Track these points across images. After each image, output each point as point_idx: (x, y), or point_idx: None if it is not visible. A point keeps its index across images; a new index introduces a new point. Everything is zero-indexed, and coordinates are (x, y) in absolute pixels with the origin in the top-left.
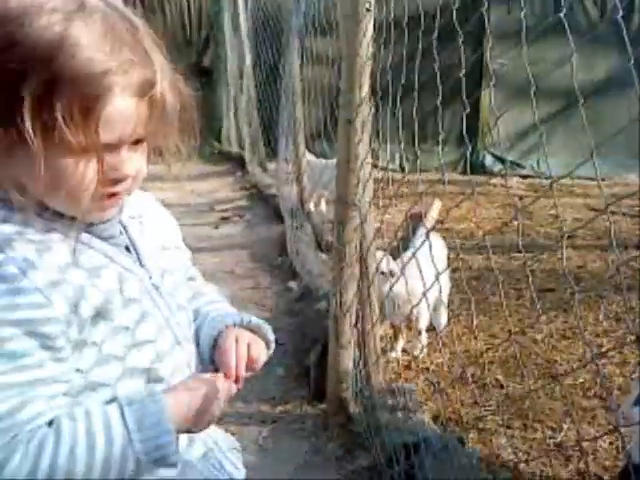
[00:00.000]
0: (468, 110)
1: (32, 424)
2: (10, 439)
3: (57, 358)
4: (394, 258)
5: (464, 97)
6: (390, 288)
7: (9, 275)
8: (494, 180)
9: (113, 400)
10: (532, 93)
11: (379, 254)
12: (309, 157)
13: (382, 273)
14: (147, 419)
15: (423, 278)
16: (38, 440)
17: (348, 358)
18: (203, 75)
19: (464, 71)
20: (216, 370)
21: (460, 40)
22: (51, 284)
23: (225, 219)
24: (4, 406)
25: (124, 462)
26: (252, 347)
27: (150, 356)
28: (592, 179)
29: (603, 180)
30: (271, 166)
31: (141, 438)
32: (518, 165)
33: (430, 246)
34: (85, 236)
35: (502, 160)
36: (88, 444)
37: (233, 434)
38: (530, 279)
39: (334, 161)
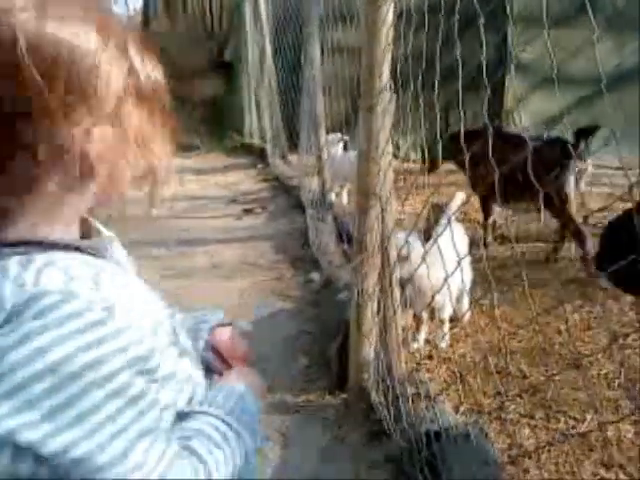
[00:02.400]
0: (489, 93)
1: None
2: None
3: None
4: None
5: (485, 82)
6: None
7: (99, 319)
8: None
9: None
10: (555, 80)
11: (400, 235)
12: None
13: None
14: (243, 416)
15: (445, 266)
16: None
17: (369, 347)
18: (224, 69)
19: (490, 54)
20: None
21: (481, 24)
22: (132, 314)
23: (248, 211)
24: (153, 453)
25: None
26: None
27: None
28: (620, 168)
29: (630, 170)
30: (293, 158)
31: (248, 434)
32: None
33: (452, 234)
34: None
35: None
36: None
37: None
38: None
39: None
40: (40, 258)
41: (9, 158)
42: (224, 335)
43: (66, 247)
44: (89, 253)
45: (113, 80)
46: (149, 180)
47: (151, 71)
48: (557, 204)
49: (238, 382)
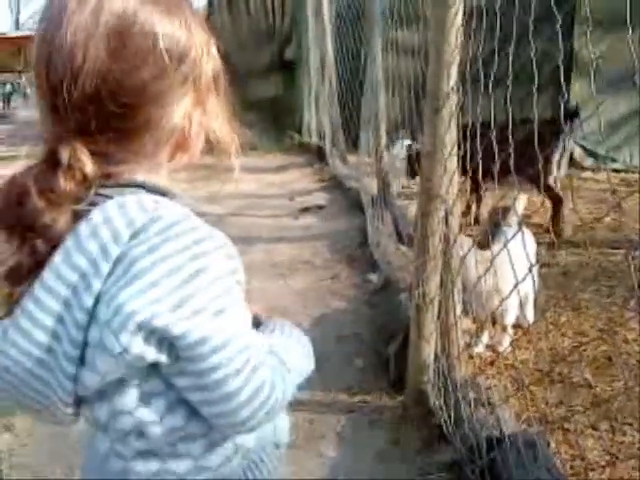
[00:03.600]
0: (566, 96)
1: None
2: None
3: None
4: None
5: (561, 83)
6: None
7: (205, 235)
8: (584, 174)
9: None
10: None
11: (466, 240)
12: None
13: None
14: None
15: (514, 271)
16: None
17: (429, 350)
18: (285, 68)
19: (561, 57)
20: None
21: (557, 25)
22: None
23: (304, 210)
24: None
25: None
26: None
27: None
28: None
29: None
30: (351, 157)
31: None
32: (610, 159)
33: (523, 240)
34: None
35: (592, 153)
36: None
37: (312, 422)
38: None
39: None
40: (149, 195)
41: (133, 131)
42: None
43: (163, 192)
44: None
45: (209, 63)
46: (219, 153)
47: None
48: (542, 177)
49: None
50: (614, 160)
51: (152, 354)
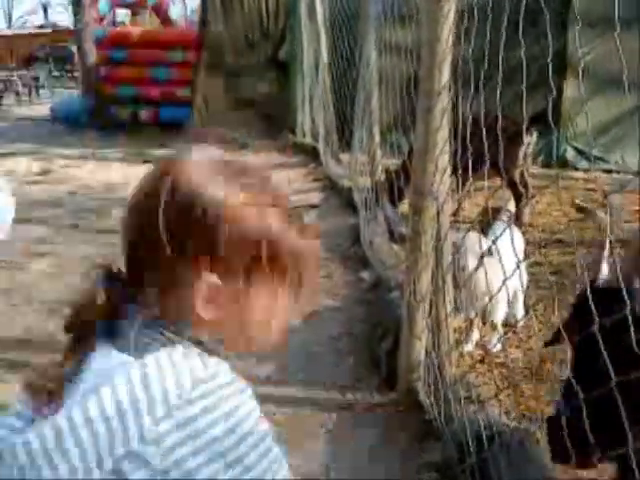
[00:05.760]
0: (554, 94)
1: None
2: None
3: None
4: None
5: (549, 82)
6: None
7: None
8: (576, 174)
9: None
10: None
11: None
12: None
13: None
14: None
15: (503, 269)
16: None
17: (421, 348)
18: (279, 68)
19: (550, 56)
20: None
21: (546, 20)
22: None
23: (298, 209)
24: None
25: None
26: None
27: None
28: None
29: None
30: (345, 157)
31: None
32: (601, 159)
33: (511, 237)
34: None
35: (584, 153)
36: None
37: (303, 419)
38: None
39: None
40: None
41: (169, 285)
42: None
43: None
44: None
45: (244, 242)
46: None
47: (294, 240)
48: (509, 169)
49: None
50: (605, 161)
51: None
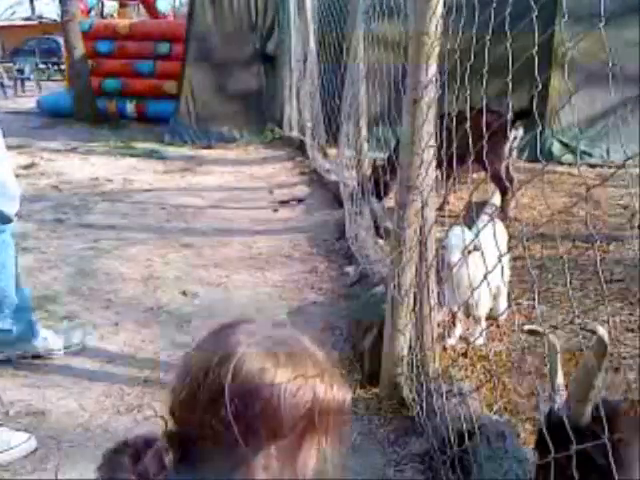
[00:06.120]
0: (540, 88)
1: None
2: None
3: None
4: None
5: (535, 75)
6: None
7: None
8: (561, 168)
9: None
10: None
11: (457, 229)
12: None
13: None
14: None
15: (485, 262)
16: None
17: (404, 343)
18: (266, 61)
19: (536, 48)
20: None
21: (534, 15)
22: None
23: (284, 203)
24: None
25: None
26: None
27: None
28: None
29: None
30: (331, 151)
31: None
32: (586, 153)
33: (494, 231)
34: None
35: (569, 147)
36: None
37: None
38: (599, 270)
39: None
40: None
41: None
42: None
43: None
44: None
45: (292, 414)
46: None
47: (336, 395)
48: (494, 163)
49: None
50: (590, 155)
51: None
